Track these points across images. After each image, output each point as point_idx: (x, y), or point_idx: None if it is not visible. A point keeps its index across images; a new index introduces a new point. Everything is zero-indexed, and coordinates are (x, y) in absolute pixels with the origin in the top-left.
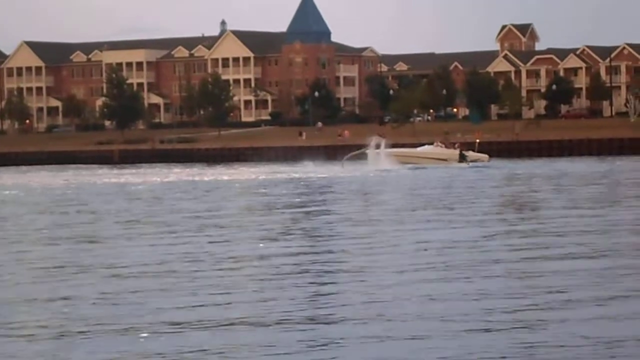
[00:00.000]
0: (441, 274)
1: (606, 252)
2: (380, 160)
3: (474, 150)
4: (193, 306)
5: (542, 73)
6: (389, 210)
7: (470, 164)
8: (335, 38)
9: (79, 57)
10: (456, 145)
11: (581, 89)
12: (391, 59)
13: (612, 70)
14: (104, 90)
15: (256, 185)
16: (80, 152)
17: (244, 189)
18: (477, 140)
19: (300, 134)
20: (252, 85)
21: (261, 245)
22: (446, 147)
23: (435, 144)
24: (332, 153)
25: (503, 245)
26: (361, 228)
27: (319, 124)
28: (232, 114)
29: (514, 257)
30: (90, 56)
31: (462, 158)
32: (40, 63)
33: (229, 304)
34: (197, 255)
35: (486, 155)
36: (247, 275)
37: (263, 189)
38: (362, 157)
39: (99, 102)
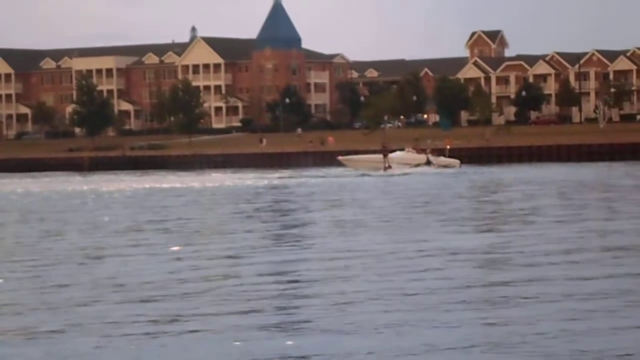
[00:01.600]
0: None
1: None
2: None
3: (444, 156)
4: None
5: (512, 79)
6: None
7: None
8: (305, 45)
9: (48, 63)
10: (427, 151)
11: (550, 95)
12: (362, 66)
13: (581, 77)
14: (74, 97)
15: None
16: (50, 159)
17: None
18: (448, 147)
19: (261, 141)
20: (223, 91)
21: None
22: (417, 152)
23: (406, 149)
24: (318, 159)
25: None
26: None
27: (299, 130)
28: (202, 121)
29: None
30: (60, 63)
31: (429, 164)
32: (10, 70)
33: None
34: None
35: (457, 161)
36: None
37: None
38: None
39: (69, 109)
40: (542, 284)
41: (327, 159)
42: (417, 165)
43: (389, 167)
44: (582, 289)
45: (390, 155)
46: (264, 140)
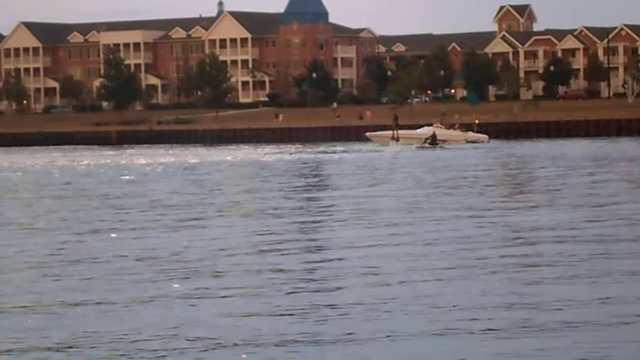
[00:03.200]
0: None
1: None
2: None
3: (473, 131)
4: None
5: (540, 54)
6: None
7: (440, 147)
8: (332, 19)
9: (76, 37)
10: (455, 127)
11: (579, 70)
12: (389, 40)
13: (610, 51)
14: (102, 71)
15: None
16: (78, 133)
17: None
18: (476, 121)
19: (277, 116)
20: (250, 66)
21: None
22: (446, 128)
23: (434, 125)
24: (345, 134)
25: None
26: None
27: (334, 104)
28: (229, 95)
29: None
30: (87, 37)
31: (433, 141)
32: (38, 44)
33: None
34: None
35: (486, 136)
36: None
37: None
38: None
39: (97, 83)
40: None
41: (353, 134)
42: (426, 141)
43: (397, 139)
44: None
45: (418, 130)
46: (280, 116)
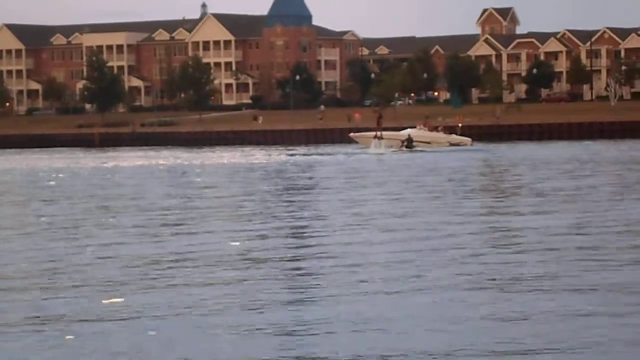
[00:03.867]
0: None
1: None
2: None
3: (456, 134)
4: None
5: (523, 57)
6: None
7: (415, 149)
8: (316, 21)
9: (59, 39)
10: (439, 129)
11: (562, 72)
12: (372, 43)
13: (593, 54)
14: (85, 73)
15: None
16: (61, 135)
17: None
18: (459, 124)
19: (255, 119)
20: (233, 68)
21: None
22: (429, 130)
23: (418, 127)
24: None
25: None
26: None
27: (322, 107)
28: (213, 98)
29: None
30: (70, 39)
31: (410, 144)
32: (21, 46)
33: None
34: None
35: (469, 139)
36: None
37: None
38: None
39: (80, 85)
40: None
41: (337, 135)
42: (403, 144)
43: (381, 137)
44: None
45: (402, 132)
46: (260, 118)
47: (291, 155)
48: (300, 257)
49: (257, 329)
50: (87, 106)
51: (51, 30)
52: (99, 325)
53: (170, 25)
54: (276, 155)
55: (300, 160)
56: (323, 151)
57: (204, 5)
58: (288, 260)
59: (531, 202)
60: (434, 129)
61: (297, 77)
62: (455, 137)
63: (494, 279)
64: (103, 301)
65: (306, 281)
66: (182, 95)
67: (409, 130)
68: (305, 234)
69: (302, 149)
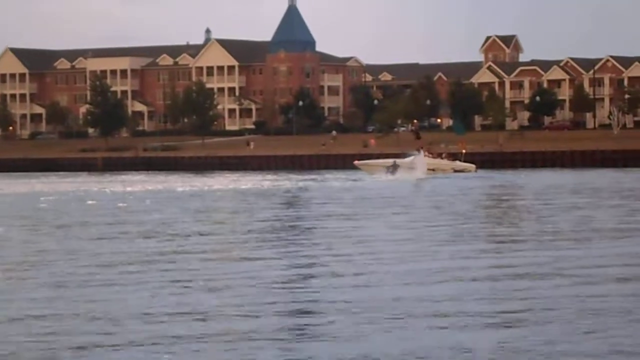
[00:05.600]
0: None
1: None
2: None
3: (460, 161)
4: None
5: (526, 84)
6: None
7: (396, 175)
8: (319, 48)
9: (63, 64)
10: (443, 156)
11: (564, 100)
12: (375, 69)
13: (596, 82)
14: (88, 98)
15: None
16: (64, 159)
17: None
18: (463, 151)
19: (248, 144)
20: (237, 93)
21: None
22: (433, 157)
23: (421, 152)
24: (332, 162)
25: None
26: None
27: (334, 132)
28: (216, 123)
29: None
30: (74, 63)
31: (394, 170)
32: (24, 70)
33: None
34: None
35: (473, 165)
36: None
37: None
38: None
39: (83, 109)
40: None
41: (341, 162)
42: (388, 170)
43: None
44: None
45: (406, 159)
46: (252, 144)
47: (310, 181)
48: None
49: None
50: (90, 130)
51: (55, 54)
52: None
53: (174, 51)
54: (295, 182)
55: (303, 186)
56: (333, 176)
57: (207, 31)
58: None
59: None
60: (438, 155)
61: (300, 103)
62: (459, 164)
63: None
64: None
65: None
66: (185, 120)
67: (412, 157)
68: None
69: (314, 175)
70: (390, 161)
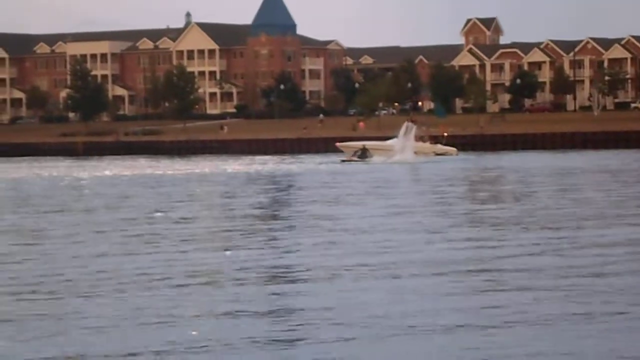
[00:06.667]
0: None
1: None
2: (406, 150)
3: (441, 144)
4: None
5: (507, 67)
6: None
7: (369, 161)
8: (300, 31)
9: (42, 48)
10: (425, 139)
11: (545, 82)
12: (356, 52)
13: (576, 65)
14: (68, 82)
15: None
16: (44, 144)
17: None
18: (445, 134)
19: (222, 128)
20: (218, 77)
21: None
22: (415, 140)
23: (406, 122)
24: (313, 145)
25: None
26: None
27: (321, 115)
28: (197, 107)
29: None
30: (54, 47)
31: (363, 154)
32: (4, 54)
33: None
34: None
35: (454, 149)
36: None
37: None
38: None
39: (63, 93)
40: None
41: (322, 145)
42: (355, 154)
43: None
44: None
45: (388, 142)
46: (225, 128)
47: (278, 163)
48: None
49: None
50: (71, 115)
51: (35, 39)
52: None
53: (155, 34)
54: (300, 164)
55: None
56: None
57: (188, 14)
58: None
59: None
60: (420, 138)
61: (282, 87)
62: (441, 147)
63: None
64: None
65: None
66: (166, 104)
67: (395, 139)
68: None
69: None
70: (359, 144)
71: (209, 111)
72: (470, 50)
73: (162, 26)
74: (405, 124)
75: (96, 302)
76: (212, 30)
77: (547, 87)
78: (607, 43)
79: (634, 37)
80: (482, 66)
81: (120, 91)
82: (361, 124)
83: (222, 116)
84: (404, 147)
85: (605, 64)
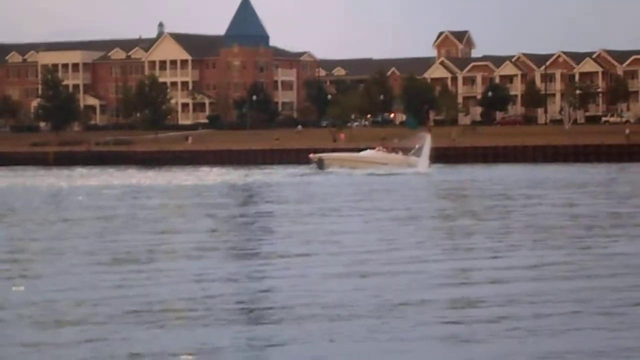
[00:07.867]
0: None
1: None
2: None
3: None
4: None
5: (478, 80)
6: None
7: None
8: (273, 42)
9: (14, 57)
10: (397, 151)
11: (516, 96)
12: (329, 64)
13: (547, 78)
14: (40, 92)
15: None
16: (15, 153)
17: None
18: (417, 146)
19: (187, 139)
20: (190, 88)
21: None
22: (387, 152)
23: (377, 148)
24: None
25: None
26: None
27: (299, 127)
28: (169, 117)
29: None
30: (26, 57)
31: (321, 165)
32: None
33: None
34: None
35: (427, 161)
36: None
37: None
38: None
39: (34, 103)
40: None
41: (294, 156)
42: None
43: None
44: None
45: (361, 154)
46: (190, 139)
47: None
48: None
49: None
50: (42, 124)
51: (6, 48)
52: None
53: (127, 44)
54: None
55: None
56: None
57: (160, 25)
58: None
59: None
60: (393, 150)
61: (254, 97)
62: (413, 159)
63: None
64: None
65: None
66: (138, 114)
67: (368, 151)
68: None
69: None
70: (316, 156)
71: (181, 122)
72: (442, 63)
73: (135, 36)
74: (420, 134)
75: None
76: (184, 40)
77: (519, 100)
78: (578, 57)
79: (605, 51)
80: (454, 79)
81: (91, 101)
82: (342, 135)
83: (194, 127)
84: (418, 159)
85: (577, 77)
